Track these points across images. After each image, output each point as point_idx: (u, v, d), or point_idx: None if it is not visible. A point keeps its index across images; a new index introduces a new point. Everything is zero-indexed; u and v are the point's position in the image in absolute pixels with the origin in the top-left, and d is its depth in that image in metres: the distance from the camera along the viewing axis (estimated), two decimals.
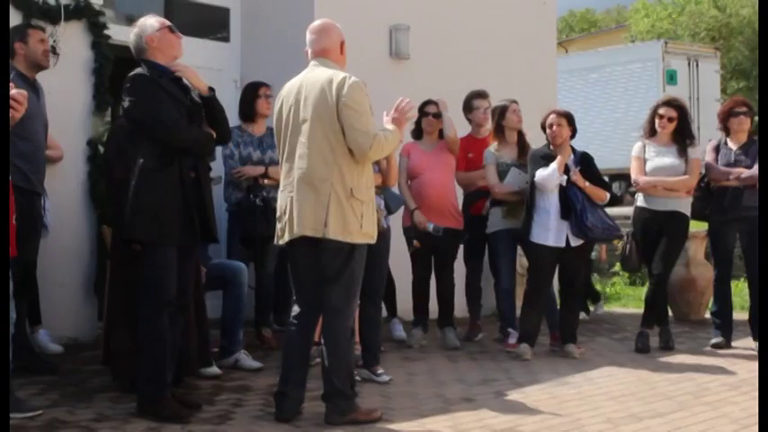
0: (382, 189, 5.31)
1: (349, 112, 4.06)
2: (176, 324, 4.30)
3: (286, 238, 4.22)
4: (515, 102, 6.50)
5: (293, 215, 4.15)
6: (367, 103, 4.16)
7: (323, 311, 4.24)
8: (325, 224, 4.07)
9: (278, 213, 4.29)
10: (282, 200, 4.25)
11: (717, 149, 6.59)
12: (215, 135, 4.43)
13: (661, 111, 6.36)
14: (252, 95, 6.26)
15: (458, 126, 6.55)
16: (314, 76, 4.21)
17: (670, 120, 6.31)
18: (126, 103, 4.24)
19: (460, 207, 6.69)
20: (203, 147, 4.39)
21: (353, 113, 4.06)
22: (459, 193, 6.75)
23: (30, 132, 4.91)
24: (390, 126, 4.27)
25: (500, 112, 6.44)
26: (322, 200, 4.09)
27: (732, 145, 6.53)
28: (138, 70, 4.27)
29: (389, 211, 5.41)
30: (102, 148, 6.11)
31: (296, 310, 4.31)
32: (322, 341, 4.27)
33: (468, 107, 6.87)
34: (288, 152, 4.23)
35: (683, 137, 6.34)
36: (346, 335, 4.22)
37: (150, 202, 4.14)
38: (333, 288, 4.17)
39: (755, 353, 6.16)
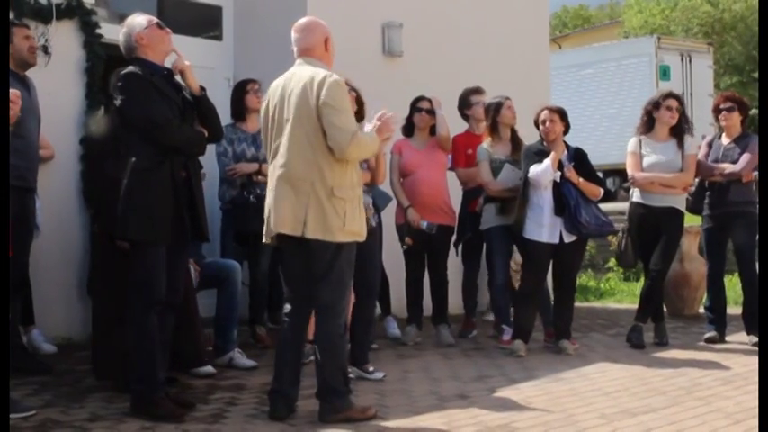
0: (371, 187, 5.31)
1: (328, 110, 4.05)
2: (166, 323, 4.28)
3: (267, 238, 4.26)
4: (509, 98, 6.49)
5: (272, 213, 4.18)
6: (347, 101, 4.17)
7: (315, 310, 4.24)
8: (304, 223, 4.08)
9: (265, 213, 4.30)
10: (268, 199, 4.26)
11: (710, 145, 6.60)
12: (207, 134, 4.42)
13: (668, 103, 6.30)
14: (240, 93, 6.26)
15: (451, 124, 6.54)
16: (298, 75, 4.21)
17: (677, 110, 6.29)
18: (118, 102, 4.21)
19: (459, 205, 6.69)
20: (196, 146, 4.37)
21: (333, 111, 4.05)
22: (456, 191, 6.75)
23: (23, 129, 4.88)
24: (372, 132, 4.26)
25: (495, 109, 6.41)
26: (302, 199, 4.09)
27: (724, 140, 6.54)
28: (130, 68, 4.25)
29: (377, 209, 5.41)
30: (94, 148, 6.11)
31: (287, 307, 4.31)
32: (315, 339, 4.27)
33: (465, 104, 6.86)
34: (273, 151, 4.24)
35: (680, 131, 6.33)
36: (339, 332, 4.21)
37: (143, 201, 4.12)
38: (322, 286, 4.17)
39: (749, 347, 6.19)
